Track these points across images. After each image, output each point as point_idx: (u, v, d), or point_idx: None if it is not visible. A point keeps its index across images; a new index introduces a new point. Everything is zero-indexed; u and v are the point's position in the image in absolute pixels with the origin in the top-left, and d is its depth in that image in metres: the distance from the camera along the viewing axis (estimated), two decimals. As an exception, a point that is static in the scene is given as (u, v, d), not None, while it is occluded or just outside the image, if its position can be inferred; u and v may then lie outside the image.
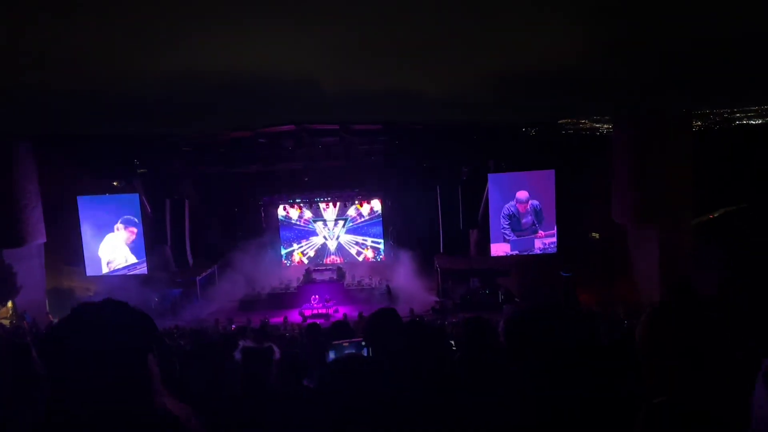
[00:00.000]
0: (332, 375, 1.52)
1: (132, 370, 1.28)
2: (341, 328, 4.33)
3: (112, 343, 1.25)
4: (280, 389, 2.07)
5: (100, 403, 1.21)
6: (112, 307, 1.34)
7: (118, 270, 17.89)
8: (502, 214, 17.35)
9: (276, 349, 2.65)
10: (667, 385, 1.44)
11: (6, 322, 15.07)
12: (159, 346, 1.39)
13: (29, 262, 16.44)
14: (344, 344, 2.58)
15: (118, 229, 17.77)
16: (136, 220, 17.75)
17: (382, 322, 2.22)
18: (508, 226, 17.37)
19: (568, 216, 17.41)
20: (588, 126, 24.95)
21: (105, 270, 17.92)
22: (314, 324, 5.39)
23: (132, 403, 1.26)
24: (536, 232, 17.42)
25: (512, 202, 17.34)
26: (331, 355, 2.61)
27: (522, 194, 17.28)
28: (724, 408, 1.36)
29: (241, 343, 2.87)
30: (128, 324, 1.32)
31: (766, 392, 0.85)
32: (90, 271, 17.84)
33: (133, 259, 17.94)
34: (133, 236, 17.82)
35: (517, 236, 17.40)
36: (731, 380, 1.41)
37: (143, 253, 17.99)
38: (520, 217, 17.33)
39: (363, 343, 2.56)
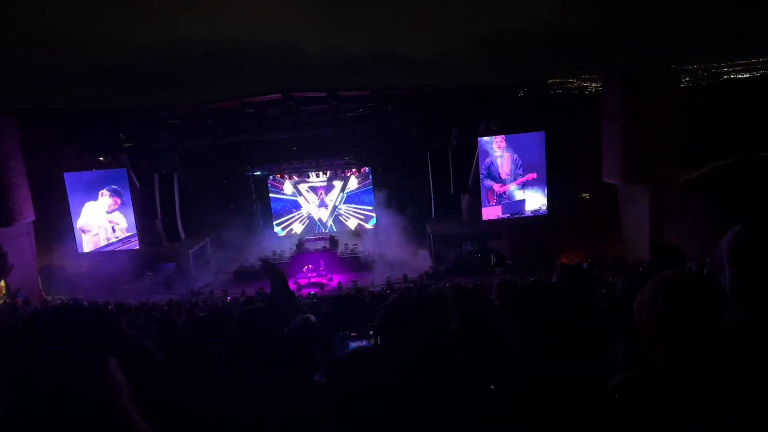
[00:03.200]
0: (342, 372, 1.50)
1: (91, 377, 1.27)
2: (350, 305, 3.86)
3: (67, 354, 1.25)
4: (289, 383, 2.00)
5: (60, 411, 1.21)
6: (66, 317, 1.33)
7: (111, 245, 17.81)
8: (482, 169, 17.38)
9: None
10: (665, 350, 1.49)
11: None
12: (124, 344, 1.38)
13: (19, 241, 16.32)
14: (351, 335, 2.52)
15: (102, 195, 17.58)
16: (121, 191, 17.59)
17: (396, 317, 2.12)
18: (486, 175, 17.37)
19: (559, 177, 17.45)
20: (577, 85, 24.82)
21: (87, 247, 17.81)
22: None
23: (95, 412, 1.25)
24: (517, 178, 17.42)
25: (490, 156, 17.35)
26: (339, 346, 2.51)
27: (499, 144, 17.29)
28: (717, 371, 1.41)
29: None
30: (83, 332, 1.30)
31: None
32: (82, 248, 17.77)
33: (110, 234, 17.80)
34: (116, 206, 17.65)
35: (502, 193, 17.42)
36: (723, 345, 1.47)
37: (132, 227, 17.86)
38: (499, 165, 17.33)
39: (371, 332, 2.51)
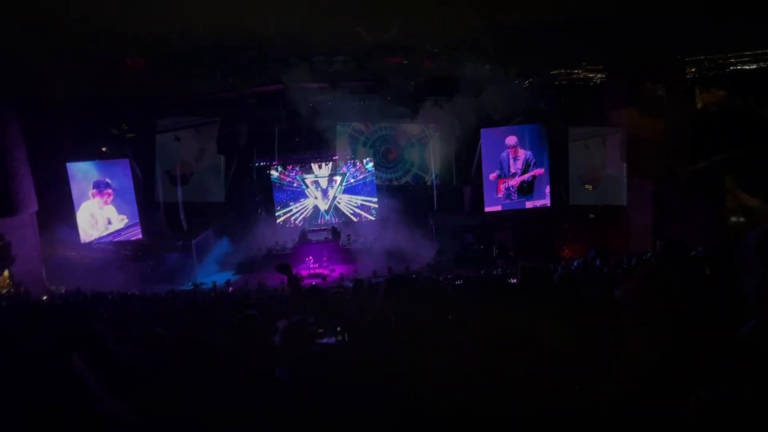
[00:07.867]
0: (306, 370, 1.46)
1: (56, 371, 1.27)
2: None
3: (27, 351, 1.26)
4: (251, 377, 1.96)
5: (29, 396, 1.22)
6: (24, 314, 1.34)
7: (111, 235, 17.81)
8: (493, 162, 17.38)
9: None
10: (650, 340, 1.45)
11: (4, 291, 15.15)
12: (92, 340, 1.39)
13: (22, 231, 16.35)
14: (318, 331, 2.49)
15: (93, 196, 17.59)
16: (108, 181, 17.54)
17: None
18: (497, 168, 17.40)
19: (562, 169, 17.35)
20: (581, 76, 24.54)
21: (85, 238, 17.82)
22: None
23: (67, 406, 1.25)
24: (526, 172, 17.45)
25: (504, 152, 17.30)
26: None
27: (510, 139, 17.24)
28: (703, 362, 1.37)
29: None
30: (40, 329, 1.32)
31: None
32: (84, 238, 17.79)
33: (117, 221, 17.77)
34: (110, 197, 17.64)
35: (511, 186, 17.41)
36: (710, 335, 1.43)
37: (134, 217, 17.84)
38: (511, 164, 17.33)
39: (338, 329, 2.48)
